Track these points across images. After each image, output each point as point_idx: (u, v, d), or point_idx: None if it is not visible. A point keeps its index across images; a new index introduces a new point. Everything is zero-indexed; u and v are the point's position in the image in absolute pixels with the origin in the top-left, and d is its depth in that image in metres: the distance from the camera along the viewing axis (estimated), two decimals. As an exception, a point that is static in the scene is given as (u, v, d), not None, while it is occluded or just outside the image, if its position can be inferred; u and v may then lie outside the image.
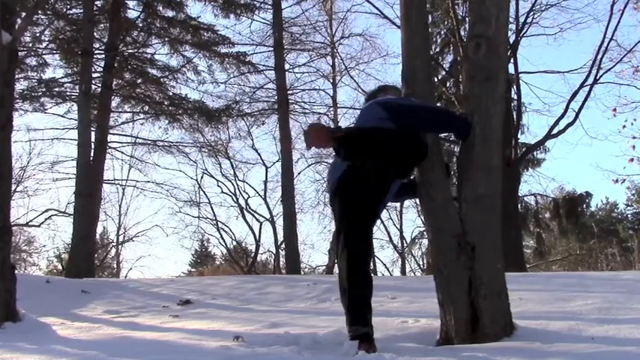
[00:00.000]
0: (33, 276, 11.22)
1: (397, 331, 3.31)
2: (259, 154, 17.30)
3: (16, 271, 4.74)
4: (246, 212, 17.99)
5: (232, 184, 17.92)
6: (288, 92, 14.26)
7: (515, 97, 13.05)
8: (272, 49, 13.95)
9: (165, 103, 13.69)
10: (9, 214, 4.85)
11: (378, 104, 3.09)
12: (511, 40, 12.03)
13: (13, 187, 14.80)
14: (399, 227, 19.11)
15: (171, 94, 13.67)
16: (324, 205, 16.85)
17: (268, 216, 17.62)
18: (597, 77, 12.37)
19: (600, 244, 20.78)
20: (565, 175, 41.32)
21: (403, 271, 18.74)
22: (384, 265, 19.60)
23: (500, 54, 3.26)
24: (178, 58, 13.46)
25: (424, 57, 3.37)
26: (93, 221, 11.54)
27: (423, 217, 3.34)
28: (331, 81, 16.32)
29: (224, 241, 19.55)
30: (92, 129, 11.64)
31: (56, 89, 12.98)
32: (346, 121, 18.23)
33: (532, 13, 13.04)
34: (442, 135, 4.01)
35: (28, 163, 15.50)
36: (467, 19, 10.60)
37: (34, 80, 12.76)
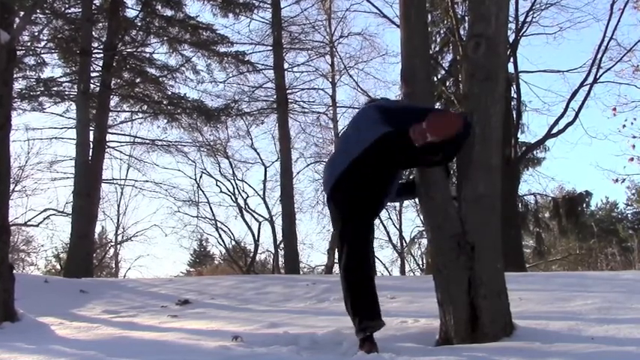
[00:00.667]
0: (31, 276, 11.21)
1: (396, 331, 3.30)
2: (258, 154, 17.31)
3: (14, 271, 4.73)
4: (245, 212, 18.01)
5: (231, 183, 17.93)
6: (287, 91, 14.25)
7: (515, 97, 13.06)
8: (271, 48, 13.95)
9: (164, 102, 13.67)
10: (7, 214, 4.84)
11: (372, 107, 3.13)
12: (511, 40, 12.04)
13: (12, 186, 14.76)
14: (398, 227, 19.14)
15: (170, 93, 13.66)
16: (323, 205, 16.84)
17: (267, 215, 17.64)
18: (597, 76, 12.39)
19: (600, 243, 20.78)
20: (565, 175, 41.38)
21: (402, 271, 18.74)
22: (384, 264, 19.61)
23: (500, 53, 3.26)
24: (177, 58, 13.48)
25: (424, 56, 3.36)
26: (91, 221, 11.52)
27: (422, 217, 3.35)
28: (330, 80, 16.32)
29: (223, 240, 19.57)
30: (91, 128, 11.62)
31: (55, 88, 12.96)
32: (345, 120, 18.25)
33: (532, 12, 13.06)
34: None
35: (26, 162, 15.51)
36: (466, 18, 10.58)
37: (32, 79, 12.74)
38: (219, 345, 3.06)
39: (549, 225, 17.60)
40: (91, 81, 11.85)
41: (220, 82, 14.19)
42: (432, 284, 3.12)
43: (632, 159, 12.31)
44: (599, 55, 12.17)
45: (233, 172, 17.52)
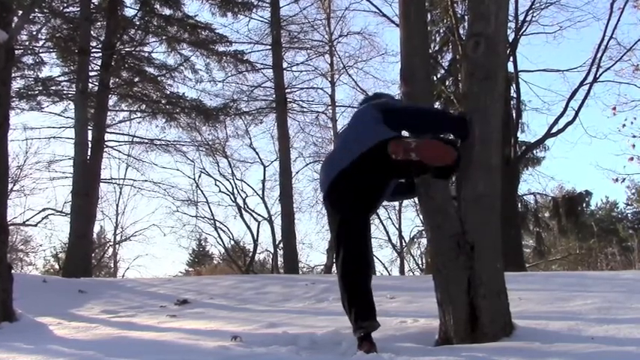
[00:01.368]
0: (30, 275, 11.20)
1: (396, 331, 3.29)
2: (257, 153, 17.29)
3: (12, 271, 4.73)
4: (244, 211, 17.99)
5: (230, 183, 17.91)
6: (286, 91, 14.25)
7: (515, 96, 13.06)
8: (270, 47, 13.94)
9: (163, 101, 13.65)
10: (5, 214, 4.84)
11: (373, 106, 3.10)
12: (510, 39, 12.02)
13: (10, 186, 14.75)
14: (397, 226, 19.12)
15: (168, 92, 13.64)
16: (322, 205, 16.80)
17: (266, 215, 17.63)
18: (597, 76, 12.38)
19: (600, 243, 20.78)
20: (565, 174, 41.38)
21: (402, 271, 18.73)
22: (383, 264, 19.60)
23: (500, 52, 3.25)
24: (176, 57, 13.46)
25: (423, 55, 3.36)
26: (90, 220, 11.50)
27: (421, 217, 3.34)
28: (329, 79, 16.30)
29: (222, 240, 19.55)
30: (89, 128, 11.59)
31: (53, 88, 12.94)
32: (344, 119, 18.22)
33: (531, 11, 13.05)
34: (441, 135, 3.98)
35: (24, 162, 15.51)
36: (466, 17, 10.58)
37: (30, 79, 12.72)
38: (218, 345, 3.05)
39: (549, 225, 17.61)
40: (90, 80, 11.83)
41: (219, 82, 14.20)
42: (432, 284, 3.11)
43: (632, 158, 12.33)
44: (599, 55, 12.18)
45: (232, 171, 17.52)
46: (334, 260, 3.06)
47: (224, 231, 19.06)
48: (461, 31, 11.97)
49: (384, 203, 3.36)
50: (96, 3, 12.49)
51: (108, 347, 3.21)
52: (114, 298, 6.14)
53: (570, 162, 37.51)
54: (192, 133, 14.56)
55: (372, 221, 3.27)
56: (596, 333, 2.95)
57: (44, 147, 20.38)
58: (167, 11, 12.98)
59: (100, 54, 12.31)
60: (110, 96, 12.96)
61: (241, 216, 17.99)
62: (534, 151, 14.78)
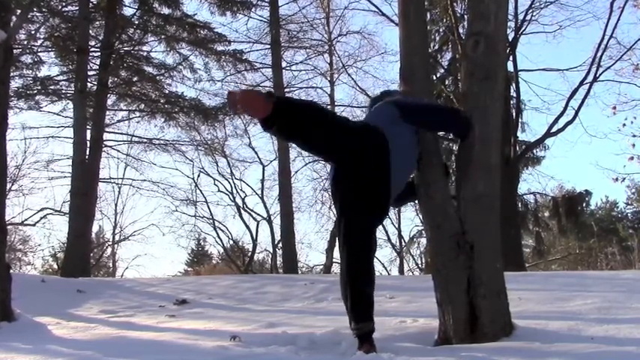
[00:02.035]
0: (28, 275, 11.19)
1: (395, 330, 3.29)
2: (256, 153, 17.26)
3: (11, 271, 4.71)
4: (243, 211, 17.97)
5: (229, 182, 17.89)
6: (286, 90, 14.23)
7: (515, 95, 13.05)
8: (269, 46, 13.93)
9: (162, 101, 13.64)
10: (4, 213, 4.82)
11: (391, 103, 3.05)
12: (510, 38, 12.01)
13: (8, 185, 14.72)
14: (397, 226, 19.12)
15: (167, 92, 13.63)
16: (321, 204, 16.82)
17: (265, 215, 17.61)
18: (597, 75, 12.35)
19: (600, 243, 20.74)
20: (564, 174, 41.31)
21: (401, 271, 18.73)
22: (382, 264, 19.59)
23: (499, 52, 3.25)
24: (174, 56, 13.44)
25: (423, 55, 3.35)
26: (88, 220, 11.48)
27: (421, 216, 3.35)
28: (329, 79, 16.30)
29: (221, 240, 19.53)
30: (88, 127, 11.57)
31: (51, 87, 12.91)
32: (343, 119, 18.19)
33: (531, 10, 13.04)
34: (441, 134, 3.98)
35: (23, 161, 15.46)
36: (465, 16, 10.58)
37: (29, 78, 12.70)
38: (217, 345, 3.05)
39: (549, 224, 17.59)
40: (88, 79, 11.82)
41: (218, 81, 14.18)
42: (431, 284, 3.11)
43: (632, 158, 12.30)
44: (598, 54, 12.15)
45: (231, 171, 17.50)
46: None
47: (223, 231, 19.08)
48: (460, 31, 11.95)
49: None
50: (94, 2, 12.47)
51: (106, 347, 3.20)
52: (113, 298, 6.13)
53: (570, 161, 37.48)
54: (191, 132, 14.55)
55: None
56: (596, 333, 2.95)
57: (43, 146, 20.34)
58: (166, 10, 12.97)
59: (99, 53, 12.29)
60: (109, 95, 12.94)
61: (240, 216, 17.99)
62: (534, 151, 14.77)
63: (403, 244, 19.27)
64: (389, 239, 19.03)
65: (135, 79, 13.50)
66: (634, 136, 12.09)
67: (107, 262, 22.70)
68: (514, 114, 12.98)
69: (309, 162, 16.88)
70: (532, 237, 18.09)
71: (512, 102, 12.89)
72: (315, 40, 15.44)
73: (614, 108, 12.45)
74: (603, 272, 8.07)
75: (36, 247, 19.64)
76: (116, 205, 20.41)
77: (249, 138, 16.56)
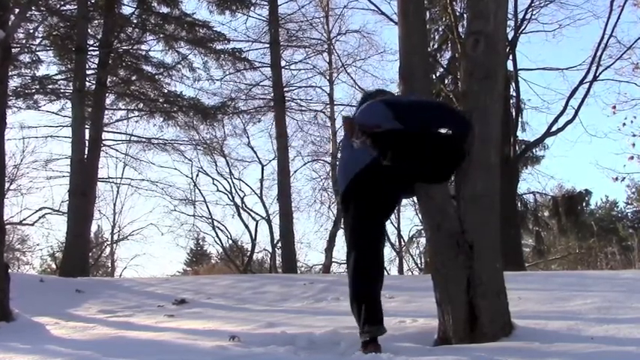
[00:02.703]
0: (27, 275, 11.16)
1: (395, 330, 3.28)
2: (255, 152, 17.21)
3: (9, 270, 4.71)
4: (242, 211, 17.92)
5: (228, 182, 17.83)
6: (285, 89, 14.22)
7: (514, 95, 13.03)
8: (268, 45, 13.91)
9: (160, 100, 13.61)
10: (2, 213, 4.81)
11: (382, 102, 3.04)
12: (510, 37, 11.99)
13: (7, 185, 14.68)
14: (396, 226, 19.08)
15: (166, 91, 13.59)
16: (320, 204, 16.79)
17: (264, 214, 17.56)
18: (597, 74, 12.31)
19: (600, 242, 20.70)
20: (564, 173, 41.37)
21: (401, 270, 18.70)
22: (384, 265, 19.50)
23: (499, 51, 3.24)
24: (173, 55, 13.40)
25: (422, 54, 3.35)
26: (87, 220, 11.46)
27: (421, 216, 3.33)
28: (328, 78, 16.25)
29: (220, 239, 19.47)
30: (86, 126, 11.55)
31: (50, 86, 12.87)
32: (342, 118, 18.15)
33: (531, 9, 13.00)
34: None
35: (21, 161, 15.40)
36: (465, 15, 10.57)
37: (27, 77, 12.65)
38: (216, 345, 3.04)
39: (549, 224, 17.57)
40: (87, 79, 11.78)
41: (217, 80, 14.14)
42: (431, 283, 3.10)
43: (632, 157, 12.25)
44: (598, 53, 12.11)
45: (230, 170, 17.45)
46: (346, 261, 3.03)
47: (222, 230, 19.03)
48: (460, 30, 11.94)
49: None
50: (93, 1, 12.44)
51: (105, 347, 3.19)
52: (111, 297, 6.12)
53: (570, 161, 37.46)
54: (189, 131, 14.52)
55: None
56: (596, 333, 2.95)
57: (41, 146, 20.18)
58: (164, 9, 12.93)
59: (98, 52, 12.26)
60: (107, 94, 12.91)
61: (239, 215, 17.95)
62: (534, 150, 14.74)
63: (402, 243, 19.27)
64: (388, 239, 19.00)
65: (133, 78, 13.47)
66: (634, 135, 12.05)
67: (106, 261, 22.67)
68: (514, 113, 12.96)
69: (308, 161, 16.89)
70: (532, 236, 18.08)
71: (511, 101, 12.86)
72: (314, 39, 15.43)
73: (614, 107, 12.42)
74: (603, 272, 8.07)
75: (34, 246, 19.60)
76: (115, 204, 20.36)
77: (248, 137, 16.54)
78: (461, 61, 3.55)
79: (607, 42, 12.00)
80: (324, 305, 4.97)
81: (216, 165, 17.28)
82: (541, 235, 17.70)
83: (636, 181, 21.07)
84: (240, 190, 17.96)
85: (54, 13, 12.10)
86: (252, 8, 13.97)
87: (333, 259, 16.09)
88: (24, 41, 12.08)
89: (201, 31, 13.22)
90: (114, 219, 20.62)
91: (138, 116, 14.05)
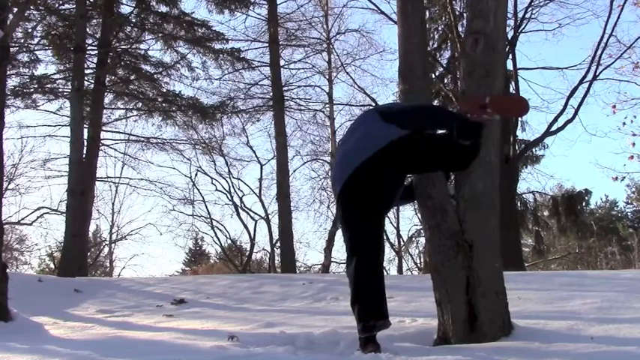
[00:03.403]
0: (25, 275, 11.14)
1: (394, 330, 3.26)
2: (254, 152, 17.21)
3: (7, 270, 4.69)
4: (240, 210, 17.92)
5: (227, 181, 17.82)
6: (284, 89, 14.21)
7: (514, 94, 13.01)
8: (267, 45, 13.90)
9: (159, 99, 13.60)
10: (1, 213, 4.80)
11: (373, 110, 3.20)
12: (509, 36, 11.97)
13: (5, 184, 14.67)
14: (396, 225, 19.10)
15: (164, 90, 13.59)
16: (319, 203, 16.79)
17: (263, 214, 17.57)
18: (597, 73, 12.28)
19: (600, 242, 20.72)
20: (564, 173, 41.51)
21: (400, 270, 18.72)
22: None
23: (499, 50, 3.24)
24: (172, 54, 13.41)
25: (422, 53, 3.34)
26: (86, 219, 11.45)
27: (420, 216, 3.32)
28: (327, 77, 16.25)
29: (218, 239, 19.49)
30: (85, 126, 11.54)
31: (48, 85, 12.86)
32: (342, 118, 18.17)
33: (531, 8, 12.99)
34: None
35: (19, 160, 15.39)
36: (465, 14, 10.56)
37: (25, 76, 12.64)
38: (215, 345, 3.03)
39: (548, 223, 17.54)
40: (85, 78, 11.77)
41: (216, 79, 14.15)
42: (430, 283, 3.10)
43: (632, 157, 12.25)
44: (598, 52, 12.09)
45: (229, 170, 17.44)
46: (346, 260, 3.01)
47: (221, 230, 19.03)
48: (460, 29, 11.93)
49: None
50: (91, 0, 12.42)
51: (104, 347, 3.18)
52: (110, 297, 6.11)
53: (570, 160, 37.44)
54: (188, 131, 14.53)
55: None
56: (596, 333, 2.94)
57: (39, 145, 20.17)
58: (163, 8, 12.93)
59: (96, 51, 12.25)
60: (106, 94, 12.91)
61: (238, 215, 17.94)
62: (533, 150, 14.72)
63: (402, 243, 19.28)
64: (388, 239, 19.01)
65: (132, 77, 13.46)
66: (634, 134, 12.05)
67: (104, 261, 22.66)
68: (513, 113, 12.93)
69: (307, 161, 16.88)
70: (531, 236, 18.06)
71: (511, 101, 12.82)
72: (313, 38, 15.43)
73: (614, 106, 12.41)
74: (603, 272, 8.07)
75: (33, 246, 19.58)
76: (113, 204, 20.35)
77: (246, 137, 16.54)
78: (460, 60, 3.54)
79: (607, 41, 12.00)
80: (323, 305, 4.96)
81: (214, 164, 17.28)
82: (541, 234, 17.68)
83: (636, 180, 21.14)
84: (239, 189, 17.97)
85: (52, 13, 12.09)
86: (251, 7, 13.99)
87: (332, 259, 16.12)
88: (22, 40, 12.07)
89: (200, 30, 13.22)
90: (112, 218, 20.63)
91: (136, 115, 14.06)
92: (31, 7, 10.60)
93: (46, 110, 13.39)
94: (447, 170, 3.12)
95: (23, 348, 3.23)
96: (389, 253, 18.65)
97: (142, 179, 15.99)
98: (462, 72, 3.32)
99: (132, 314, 4.98)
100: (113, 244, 21.68)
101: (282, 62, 14.33)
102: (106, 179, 16.90)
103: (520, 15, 12.83)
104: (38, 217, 16.24)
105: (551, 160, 32.38)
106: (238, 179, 17.86)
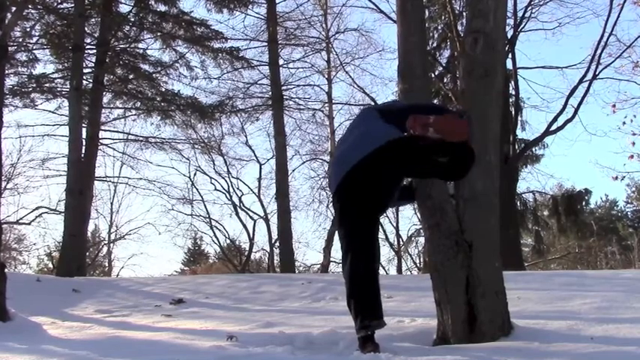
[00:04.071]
0: (23, 275, 11.14)
1: (393, 330, 3.26)
2: (253, 151, 17.19)
3: (6, 270, 4.68)
4: (239, 210, 17.90)
5: (226, 181, 17.80)
6: (283, 88, 14.19)
7: (514, 93, 13.02)
8: (266, 44, 13.88)
9: (158, 99, 13.58)
10: (-2, 212, 4.78)
11: (372, 108, 3.24)
12: (509, 35, 11.96)
13: (3, 184, 14.65)
14: (395, 225, 19.09)
15: (163, 90, 13.57)
16: (319, 203, 16.76)
17: (262, 214, 17.55)
18: (596, 73, 12.26)
19: (600, 242, 20.71)
20: (564, 172, 41.42)
21: (399, 270, 18.70)
22: (380, 263, 19.50)
23: (498, 49, 3.23)
24: (171, 54, 13.39)
25: (421, 52, 3.34)
26: (84, 219, 11.42)
27: (419, 215, 3.32)
28: (326, 76, 16.22)
29: (217, 239, 19.47)
30: (83, 125, 11.51)
31: (47, 85, 12.85)
32: (341, 117, 18.15)
33: (530, 7, 12.98)
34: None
35: (18, 160, 15.36)
36: (464, 13, 10.55)
37: (24, 76, 12.63)
38: (213, 345, 3.02)
39: (548, 223, 17.53)
40: (84, 77, 11.75)
41: (215, 79, 14.13)
42: (430, 283, 3.09)
43: (632, 156, 12.25)
44: (598, 51, 12.06)
45: (228, 169, 17.42)
46: (342, 259, 3.01)
47: (220, 230, 19.01)
48: (459, 28, 11.92)
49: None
50: (90, -1, 12.41)
51: (102, 347, 3.17)
52: (108, 297, 6.10)
53: (570, 160, 37.37)
54: (187, 130, 14.50)
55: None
56: (596, 333, 2.94)
57: (38, 145, 20.24)
58: (162, 7, 12.91)
59: (95, 51, 12.23)
60: (105, 93, 12.89)
61: (237, 214, 17.92)
62: (533, 149, 14.71)
63: (401, 243, 19.27)
64: (387, 238, 19.02)
65: (131, 76, 13.44)
66: (634, 134, 12.05)
67: (103, 261, 22.62)
68: (513, 112, 12.94)
69: (307, 160, 16.87)
70: (531, 236, 18.07)
71: (511, 100, 12.85)
72: (312, 37, 15.40)
73: (614, 106, 12.39)
74: (603, 271, 8.08)
75: (31, 246, 19.53)
76: (112, 203, 20.31)
77: (245, 136, 16.52)
78: (460, 59, 3.55)
79: (607, 40, 11.98)
80: (323, 305, 4.95)
81: (213, 164, 17.26)
82: (540, 234, 17.68)
83: (636, 180, 21.12)
84: (237, 189, 17.94)
85: (51, 12, 12.06)
86: (250, 6, 13.97)
87: (331, 259, 16.08)
88: (21, 39, 12.05)
89: (198, 29, 13.20)
90: (111, 218, 20.59)
91: (135, 115, 14.03)
92: (30, 6, 10.59)
93: (44, 109, 13.40)
94: (444, 178, 3.05)
95: (22, 348, 3.22)
96: (388, 252, 18.66)
97: (140, 179, 15.99)
98: (462, 71, 3.32)
99: (130, 314, 4.97)
100: (112, 244, 21.67)
101: (281, 61, 14.33)
102: (104, 179, 16.89)
103: (520, 14, 12.84)
104: (37, 217, 16.23)
105: (551, 159, 32.39)
106: (237, 179, 17.86)
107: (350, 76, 15.67)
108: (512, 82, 12.82)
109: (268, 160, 16.64)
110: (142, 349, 3.11)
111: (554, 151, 33.81)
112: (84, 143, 11.32)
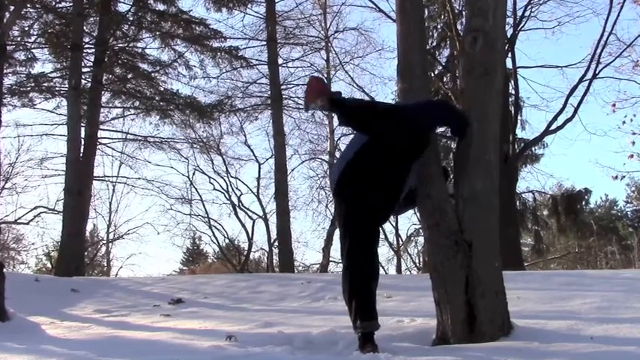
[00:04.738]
0: (22, 274, 11.14)
1: (393, 330, 3.26)
2: (252, 151, 17.15)
3: (4, 270, 4.67)
4: (238, 209, 17.88)
5: (224, 180, 17.78)
6: (282, 87, 14.16)
7: (513, 92, 13.00)
8: (265, 43, 13.86)
9: (157, 98, 13.56)
10: (-4, 212, 4.78)
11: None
12: (509, 34, 11.94)
13: (2, 183, 14.67)
14: (394, 225, 19.08)
15: (162, 89, 13.55)
16: (318, 203, 16.75)
17: (261, 213, 17.53)
18: (596, 72, 12.22)
19: (599, 241, 20.68)
20: (564, 172, 41.38)
21: (399, 270, 18.70)
22: (380, 263, 19.50)
23: (498, 48, 3.23)
24: (170, 53, 13.35)
25: (420, 51, 3.34)
26: (83, 219, 11.40)
27: (419, 215, 3.32)
28: (326, 76, 16.19)
29: (216, 238, 19.43)
30: (82, 125, 11.49)
31: (45, 84, 12.82)
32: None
33: (530, 6, 12.93)
34: (438, 131, 3.97)
35: (16, 159, 15.34)
36: (464, 12, 10.54)
37: (22, 75, 12.60)
38: (212, 345, 3.02)
39: (548, 223, 17.52)
40: (82, 76, 11.72)
41: (213, 78, 14.09)
42: (429, 283, 3.09)
43: (632, 156, 12.23)
44: (598, 50, 12.02)
45: (226, 169, 17.39)
46: (340, 257, 3.02)
47: (218, 229, 18.99)
48: (459, 27, 11.90)
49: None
50: (89, -2, 12.39)
51: (101, 347, 3.17)
52: (107, 297, 6.10)
53: (569, 159, 37.33)
54: (186, 130, 14.46)
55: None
56: (596, 332, 2.94)
57: (36, 144, 20.14)
58: (161, 6, 12.88)
59: (93, 50, 12.20)
60: (103, 92, 12.86)
61: (236, 214, 17.90)
62: (533, 149, 14.69)
63: (401, 242, 19.27)
64: (386, 238, 19.00)
65: (129, 76, 13.41)
66: (634, 133, 12.03)
67: (101, 261, 22.59)
68: (513, 111, 12.93)
69: (306, 160, 16.85)
70: (531, 235, 18.05)
71: (510, 99, 12.83)
72: (311, 36, 15.38)
73: (614, 105, 12.37)
74: (603, 271, 8.08)
75: (29, 245, 19.50)
76: (110, 203, 20.26)
77: (244, 136, 16.49)
78: (459, 58, 3.54)
79: (607, 39, 11.94)
80: (322, 305, 4.95)
81: (212, 163, 17.23)
82: (540, 234, 17.67)
83: (636, 179, 21.10)
84: (236, 188, 17.92)
85: (49, 11, 12.04)
86: (249, 5, 13.92)
87: (330, 259, 16.08)
88: (19, 39, 12.02)
89: (197, 28, 13.17)
90: (109, 218, 20.55)
91: (134, 114, 14.01)
92: (28, 5, 10.56)
93: (43, 109, 13.37)
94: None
95: (20, 348, 3.21)
96: (388, 252, 18.64)
97: (139, 178, 15.96)
98: (461, 70, 3.31)
99: (129, 314, 4.96)
100: (110, 244, 21.63)
101: (280, 60, 14.30)
102: (103, 178, 16.87)
103: (519, 13, 12.80)
104: (35, 217, 16.21)
105: (551, 159, 32.38)
106: (236, 178, 17.83)
107: (349, 76, 15.66)
108: (512, 82, 12.80)
109: (267, 159, 16.63)
110: (140, 348, 3.11)
111: (554, 150, 33.85)
112: (82, 143, 11.29)
